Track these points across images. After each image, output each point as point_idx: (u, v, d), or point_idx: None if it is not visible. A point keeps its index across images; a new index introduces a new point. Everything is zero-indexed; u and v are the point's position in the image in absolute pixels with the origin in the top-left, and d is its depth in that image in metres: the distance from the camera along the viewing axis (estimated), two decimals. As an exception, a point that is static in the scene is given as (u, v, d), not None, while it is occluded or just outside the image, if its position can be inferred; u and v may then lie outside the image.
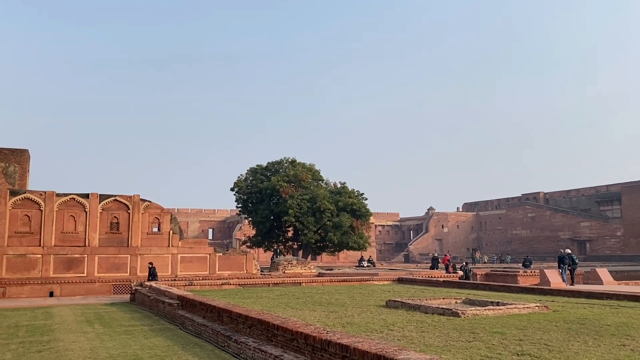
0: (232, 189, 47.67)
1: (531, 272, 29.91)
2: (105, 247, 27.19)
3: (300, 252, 46.67)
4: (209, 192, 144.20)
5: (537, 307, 13.20)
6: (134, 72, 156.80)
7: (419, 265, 53.53)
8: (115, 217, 27.74)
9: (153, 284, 21.08)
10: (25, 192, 26.40)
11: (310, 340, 7.72)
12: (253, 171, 48.25)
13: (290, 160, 48.75)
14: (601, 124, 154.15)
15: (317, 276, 28.30)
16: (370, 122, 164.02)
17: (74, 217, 26.79)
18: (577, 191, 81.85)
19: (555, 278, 25.11)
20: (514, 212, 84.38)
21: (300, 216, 43.33)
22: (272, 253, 50.22)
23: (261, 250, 54.15)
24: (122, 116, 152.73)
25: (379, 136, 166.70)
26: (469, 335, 9.45)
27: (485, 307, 13.17)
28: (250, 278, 25.71)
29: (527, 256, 49.49)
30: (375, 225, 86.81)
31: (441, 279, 24.70)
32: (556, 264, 31.13)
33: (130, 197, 28.17)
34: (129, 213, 27.97)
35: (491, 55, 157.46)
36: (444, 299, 15.71)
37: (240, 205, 48.12)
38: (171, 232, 28.88)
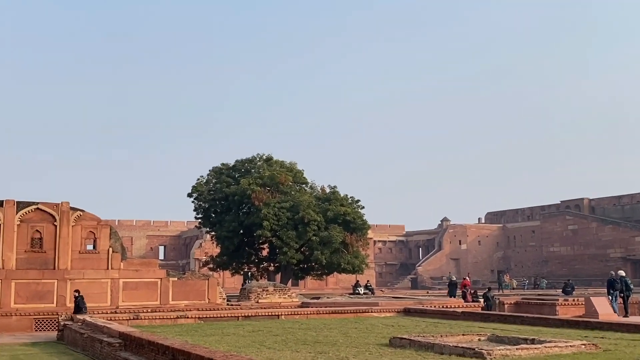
0: (189, 195, 47.43)
1: (573, 300, 30.08)
2: (24, 270, 26.82)
3: (279, 276, 46.52)
4: (159, 199, 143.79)
5: (583, 346, 13.25)
6: (62, 46, 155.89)
7: (430, 292, 53.76)
8: (37, 231, 27.36)
9: (87, 317, 20.93)
10: None
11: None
12: (217, 172, 48.05)
13: (265, 157, 48.63)
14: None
15: (301, 306, 28.18)
16: (368, 111, 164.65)
17: (-18, 232, 26.56)
18: (632, 197, 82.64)
19: (604, 308, 25.30)
20: (550, 223, 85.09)
21: (278, 230, 43.21)
22: (242, 277, 50.22)
23: (227, 273, 53.87)
24: (42, 105, 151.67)
25: (379, 130, 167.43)
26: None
27: (517, 346, 13.18)
28: (214, 309, 25.56)
29: (569, 280, 49.79)
30: (375, 241, 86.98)
31: (459, 310, 24.75)
32: (605, 290, 31.37)
33: (57, 205, 27.85)
34: (56, 226, 27.64)
35: (518, 32, 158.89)
36: (463, 335, 15.74)
37: (200, 215, 47.87)
38: (111, 250, 28.60)
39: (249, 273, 46.88)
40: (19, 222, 27.12)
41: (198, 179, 47.80)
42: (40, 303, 26.76)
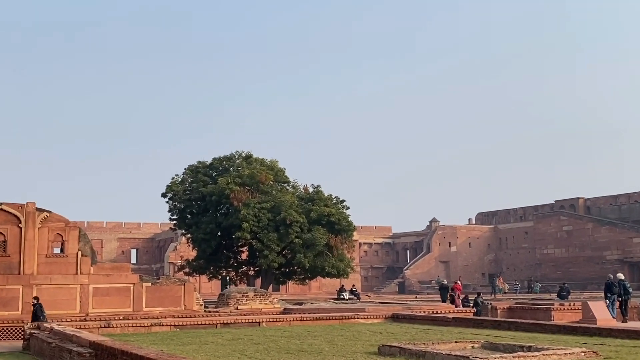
0: (163, 195, 47.17)
1: (570, 305, 30.28)
2: (-13, 276, 26.64)
3: (259, 281, 46.52)
4: (131, 199, 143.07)
5: (582, 353, 13.26)
6: (27, 39, 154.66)
7: (418, 296, 54.03)
8: (1, 233, 27.28)
9: (54, 326, 20.74)
10: None
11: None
12: (193, 170, 47.84)
13: (244, 155, 48.47)
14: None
15: (283, 313, 28.26)
16: (351, 109, 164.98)
17: (-59, 234, 26.35)
18: (629, 197, 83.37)
19: (603, 313, 25.42)
20: (544, 224, 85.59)
21: (258, 232, 43.10)
22: (220, 282, 50.09)
23: (204, 278, 53.78)
24: (3, 99, 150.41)
25: (364, 128, 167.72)
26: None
27: (514, 354, 13.17)
28: (191, 316, 25.49)
29: (564, 283, 50.14)
30: (360, 244, 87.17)
31: (450, 316, 24.78)
32: (602, 294, 31.59)
33: (22, 205, 27.72)
34: (21, 228, 27.53)
35: (509, 27, 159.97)
36: (456, 342, 15.68)
37: (175, 216, 47.63)
38: (80, 253, 28.52)
39: (228, 278, 46.79)
40: (-20, 224, 26.96)
41: (173, 178, 47.49)
42: (5, 310, 26.54)
